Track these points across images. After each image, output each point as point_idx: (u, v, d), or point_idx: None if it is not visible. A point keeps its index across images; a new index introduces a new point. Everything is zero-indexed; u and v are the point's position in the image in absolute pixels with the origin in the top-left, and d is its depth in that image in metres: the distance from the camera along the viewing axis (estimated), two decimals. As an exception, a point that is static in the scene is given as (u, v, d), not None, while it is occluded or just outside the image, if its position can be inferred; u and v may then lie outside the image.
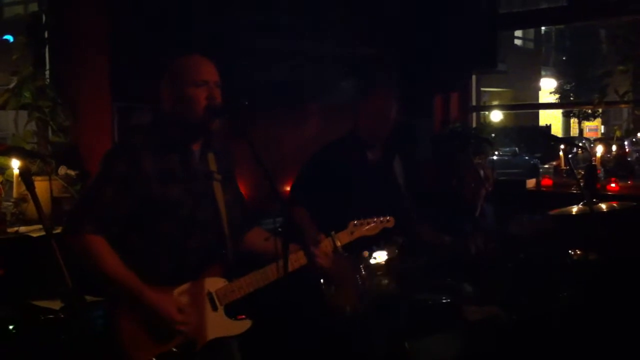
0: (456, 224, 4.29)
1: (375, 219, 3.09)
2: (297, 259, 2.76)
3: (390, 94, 3.83)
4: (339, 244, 2.93)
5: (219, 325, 2.68)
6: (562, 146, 5.92)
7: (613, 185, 5.58)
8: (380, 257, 3.55)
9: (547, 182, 6.12)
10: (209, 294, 2.68)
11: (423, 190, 4.15)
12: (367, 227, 3.06)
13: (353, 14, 5.74)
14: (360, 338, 3.52)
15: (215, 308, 2.68)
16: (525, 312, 3.94)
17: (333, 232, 2.95)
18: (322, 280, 3.47)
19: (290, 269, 2.59)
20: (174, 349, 2.59)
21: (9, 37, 4.57)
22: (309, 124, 5.55)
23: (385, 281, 3.57)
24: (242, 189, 3.05)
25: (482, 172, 4.41)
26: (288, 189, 4.93)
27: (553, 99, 27.26)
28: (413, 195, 4.02)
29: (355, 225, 3.03)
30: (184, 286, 2.65)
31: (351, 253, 3.19)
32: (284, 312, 3.64)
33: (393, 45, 5.94)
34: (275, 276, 2.72)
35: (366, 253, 3.50)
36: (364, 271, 3.54)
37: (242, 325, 2.74)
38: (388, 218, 3.14)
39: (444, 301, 3.85)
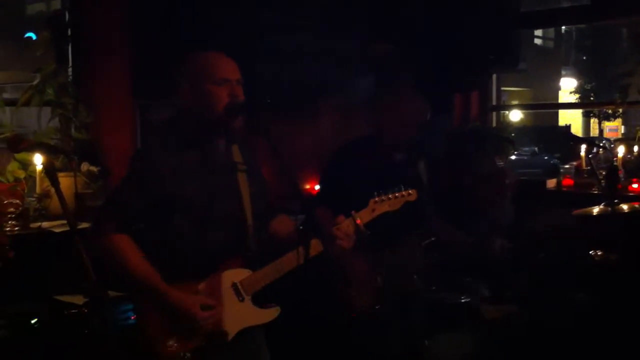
0: (472, 223, 4.28)
1: (396, 194, 3.01)
2: (317, 244, 2.73)
3: (418, 98, 3.82)
4: (359, 221, 2.86)
5: (248, 314, 2.71)
6: (583, 146, 5.89)
7: (635, 185, 5.53)
8: None
9: (568, 182, 6.08)
10: (234, 284, 2.70)
11: (440, 188, 4.14)
12: (389, 203, 2.99)
13: (372, 11, 5.73)
14: (377, 335, 3.53)
15: (242, 298, 2.70)
16: (543, 312, 3.93)
17: (353, 212, 2.88)
18: (340, 277, 3.48)
19: (312, 253, 2.61)
20: (205, 343, 2.62)
21: (32, 35, 4.61)
22: (326, 122, 5.55)
23: (405, 278, 3.57)
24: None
25: (504, 171, 4.41)
26: (307, 186, 4.96)
27: (573, 98, 27.06)
28: (436, 194, 4.01)
29: (376, 202, 2.95)
30: (209, 279, 2.68)
31: (372, 247, 3.16)
32: (301, 308, 3.65)
33: (413, 43, 5.93)
34: (297, 262, 2.72)
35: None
36: (383, 268, 3.54)
37: (271, 313, 2.77)
38: (410, 191, 3.04)
39: (461, 300, 3.85)
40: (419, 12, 6.01)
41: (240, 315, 2.69)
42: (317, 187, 3.97)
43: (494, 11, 6.01)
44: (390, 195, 2.99)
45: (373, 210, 2.95)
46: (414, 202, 3.16)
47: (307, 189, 4.96)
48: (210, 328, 2.62)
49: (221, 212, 2.70)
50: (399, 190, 3.02)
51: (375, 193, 2.97)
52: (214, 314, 2.63)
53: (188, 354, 2.59)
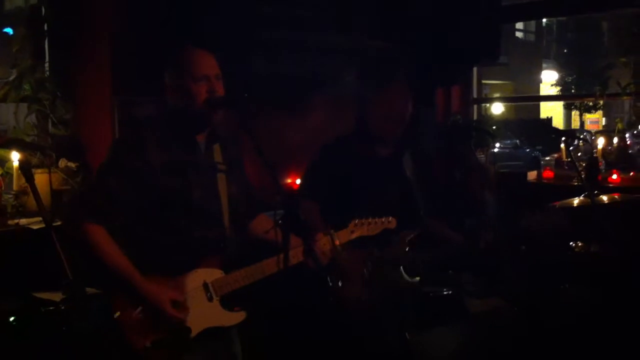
0: (460, 217, 4.29)
1: (376, 219, 3.05)
2: (295, 255, 2.75)
3: (405, 93, 3.80)
4: (337, 242, 2.90)
5: (213, 315, 2.71)
6: (563, 138, 5.92)
7: (614, 177, 5.58)
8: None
9: (548, 174, 6.12)
10: (205, 284, 2.70)
11: (430, 183, 4.13)
12: (368, 227, 3.03)
13: (355, 6, 5.73)
14: (367, 331, 3.52)
15: (210, 298, 2.71)
16: (527, 305, 3.94)
17: (332, 231, 2.91)
18: (328, 274, 3.47)
19: (290, 263, 2.62)
20: (169, 336, 2.62)
21: (9, 30, 4.56)
22: (313, 116, 5.54)
23: (393, 274, 3.57)
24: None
25: (484, 165, 4.42)
26: (288, 181, 4.94)
27: (554, 91, 27.22)
28: (421, 189, 4.00)
29: (356, 224, 2.99)
30: (181, 276, 2.67)
31: (356, 248, 3.15)
32: (290, 304, 3.64)
33: (395, 37, 5.93)
34: (272, 270, 2.75)
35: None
36: (371, 264, 3.53)
37: (237, 316, 2.77)
38: (390, 219, 3.09)
39: (446, 293, 3.86)
40: (400, 6, 6.01)
41: (206, 314, 2.69)
42: (298, 181, 3.94)
43: (475, 5, 6.03)
44: (370, 220, 3.03)
45: (352, 232, 3.00)
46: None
47: (289, 184, 4.95)
48: (175, 323, 2.62)
49: (197, 211, 2.70)
50: (380, 216, 3.06)
51: (357, 216, 3.00)
52: (183, 312, 2.63)
53: (153, 345, 2.59)
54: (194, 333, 2.66)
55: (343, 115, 5.15)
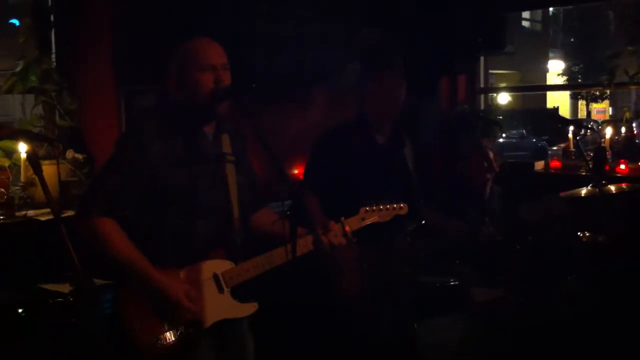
0: (463, 207, 4.29)
1: (388, 206, 3.01)
2: (305, 244, 2.74)
3: (398, 75, 3.79)
4: (347, 228, 2.86)
5: (225, 307, 2.69)
6: (571, 128, 5.91)
7: (622, 167, 5.57)
8: None
9: (555, 164, 6.11)
10: (215, 275, 2.68)
11: (431, 173, 4.13)
12: (379, 214, 2.98)
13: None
14: (368, 322, 3.52)
15: (221, 290, 2.69)
16: (532, 295, 3.94)
17: (342, 218, 2.87)
18: (328, 266, 3.46)
19: (297, 253, 2.58)
20: (180, 330, 2.60)
21: (15, 21, 4.56)
22: (314, 108, 5.53)
23: (395, 266, 3.57)
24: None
25: (490, 155, 4.40)
26: (295, 171, 4.94)
27: (561, 81, 27.12)
28: (421, 179, 3.99)
29: (366, 211, 2.95)
30: (191, 267, 2.66)
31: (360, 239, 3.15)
32: (291, 297, 3.64)
33: (400, 26, 5.90)
34: (281, 260, 2.72)
35: None
36: (371, 256, 3.52)
37: (249, 307, 2.75)
38: (401, 205, 3.04)
39: (450, 284, 3.86)
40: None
41: (217, 306, 2.67)
42: (296, 171, 3.95)
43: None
44: (381, 206, 2.99)
45: (362, 219, 2.95)
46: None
47: (295, 175, 4.95)
48: (188, 316, 2.61)
49: (207, 202, 2.68)
50: (391, 202, 3.01)
51: (367, 203, 2.96)
52: (197, 304, 2.62)
53: (163, 339, 2.57)
54: (206, 325, 2.65)
55: (343, 105, 5.16)
